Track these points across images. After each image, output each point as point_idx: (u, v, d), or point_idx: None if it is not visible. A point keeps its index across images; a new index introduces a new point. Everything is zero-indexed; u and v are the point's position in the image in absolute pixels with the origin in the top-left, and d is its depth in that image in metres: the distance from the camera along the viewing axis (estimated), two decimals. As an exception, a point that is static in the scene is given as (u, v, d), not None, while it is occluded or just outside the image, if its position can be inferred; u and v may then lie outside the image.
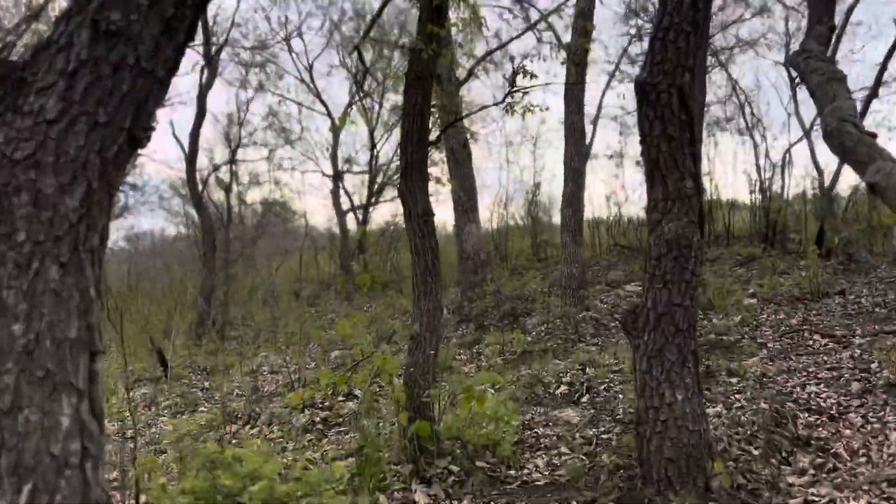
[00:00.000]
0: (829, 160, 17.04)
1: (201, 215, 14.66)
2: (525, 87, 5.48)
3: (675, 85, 4.06)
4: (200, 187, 15.52)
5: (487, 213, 22.91)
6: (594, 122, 13.58)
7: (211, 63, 14.87)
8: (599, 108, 13.87)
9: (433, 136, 5.67)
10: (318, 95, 22.74)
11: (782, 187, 15.91)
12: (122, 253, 30.57)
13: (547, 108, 5.71)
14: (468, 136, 12.89)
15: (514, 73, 5.17)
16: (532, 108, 5.53)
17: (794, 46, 19.48)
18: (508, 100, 5.31)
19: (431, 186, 7.49)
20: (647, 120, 4.16)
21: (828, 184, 16.91)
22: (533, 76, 5.08)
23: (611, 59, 16.41)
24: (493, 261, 18.27)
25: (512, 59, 7.62)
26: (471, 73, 12.85)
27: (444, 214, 23.62)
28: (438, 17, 5.07)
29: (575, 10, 10.78)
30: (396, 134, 23.84)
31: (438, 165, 13.22)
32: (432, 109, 5.60)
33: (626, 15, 16.53)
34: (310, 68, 21.45)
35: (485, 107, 6.85)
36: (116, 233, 36.23)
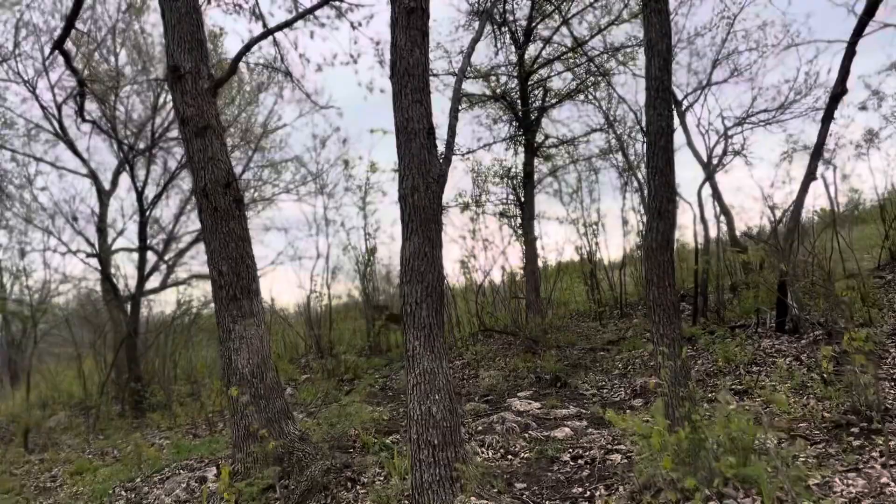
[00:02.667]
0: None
1: None
2: None
3: None
4: None
5: (301, 294, 17.45)
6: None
7: None
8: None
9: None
10: (72, 147, 16.39)
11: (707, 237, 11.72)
12: None
13: None
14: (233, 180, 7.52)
15: None
16: None
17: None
18: None
19: None
20: None
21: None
22: None
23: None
24: (305, 365, 12.78)
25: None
26: None
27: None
28: None
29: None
30: (175, 195, 18.02)
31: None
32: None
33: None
34: (59, 111, 15.16)
35: None
36: None
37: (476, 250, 12.98)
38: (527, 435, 6.80)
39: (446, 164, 5.60)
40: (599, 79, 12.78)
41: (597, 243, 14.15)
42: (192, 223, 19.22)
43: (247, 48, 7.74)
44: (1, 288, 22.79)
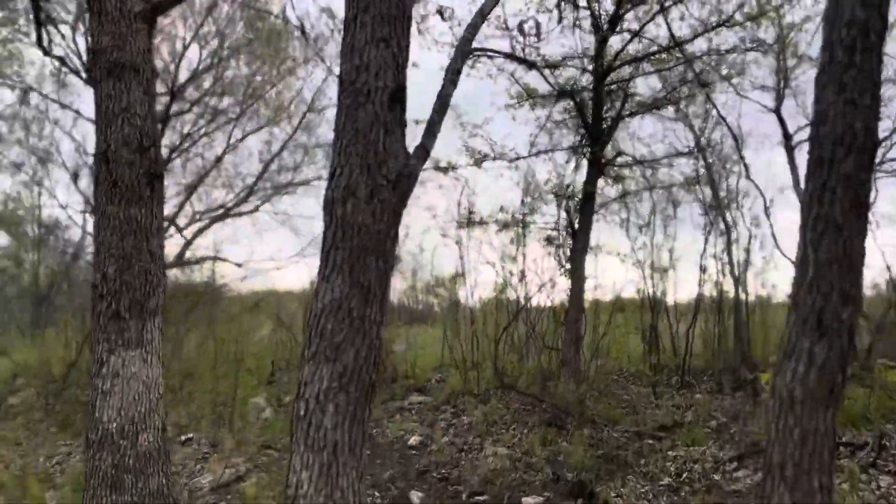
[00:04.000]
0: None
1: None
2: None
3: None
4: None
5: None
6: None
7: None
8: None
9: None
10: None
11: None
12: None
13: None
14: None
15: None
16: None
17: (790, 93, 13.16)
18: None
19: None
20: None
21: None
22: None
23: None
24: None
25: None
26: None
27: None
28: None
29: None
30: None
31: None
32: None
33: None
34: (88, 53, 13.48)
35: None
36: None
37: (513, 280, 10.53)
38: None
39: (419, 158, 3.19)
40: (697, 90, 10.16)
41: (664, 292, 11.52)
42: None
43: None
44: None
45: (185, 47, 14.28)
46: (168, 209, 17.03)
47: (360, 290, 2.93)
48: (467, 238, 10.58)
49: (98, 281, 4.84)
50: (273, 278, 24.08)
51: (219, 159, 16.56)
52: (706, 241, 11.44)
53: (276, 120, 16.39)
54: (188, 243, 17.77)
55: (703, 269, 11.62)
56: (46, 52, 8.84)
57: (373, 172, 2.97)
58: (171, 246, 18.25)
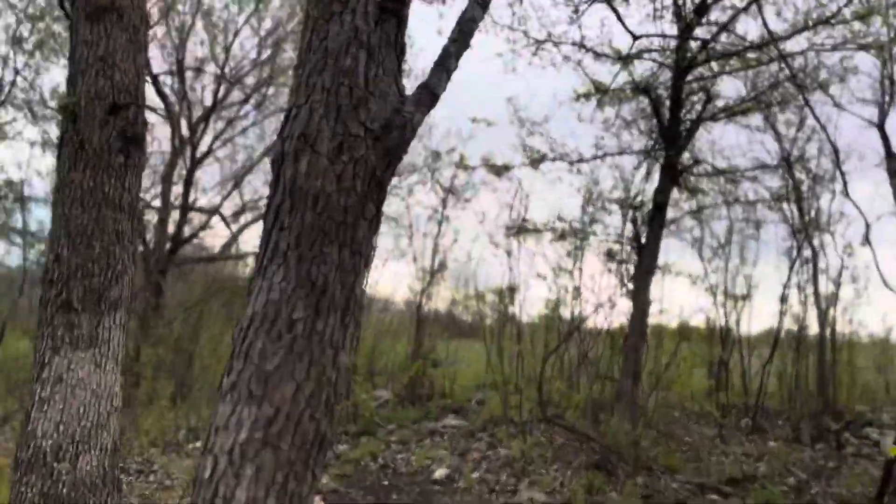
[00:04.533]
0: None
1: None
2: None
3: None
4: None
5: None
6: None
7: None
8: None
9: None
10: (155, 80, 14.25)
11: None
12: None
13: None
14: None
15: None
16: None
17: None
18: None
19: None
20: None
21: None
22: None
23: None
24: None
25: None
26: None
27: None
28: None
29: None
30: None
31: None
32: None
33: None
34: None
35: None
36: None
37: (567, 297, 9.41)
38: None
39: (421, 103, 2.15)
40: (792, 93, 8.88)
41: (737, 322, 10.22)
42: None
43: None
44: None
45: (237, 32, 13.75)
46: (211, 198, 16.53)
47: (311, 291, 1.91)
48: (518, 248, 9.52)
49: (50, 263, 3.97)
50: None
51: (268, 150, 15.99)
52: (791, 268, 10.08)
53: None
54: (235, 236, 17.27)
55: (784, 300, 10.24)
56: (68, 15, 8.19)
57: (344, 116, 1.96)
58: (213, 237, 17.82)
